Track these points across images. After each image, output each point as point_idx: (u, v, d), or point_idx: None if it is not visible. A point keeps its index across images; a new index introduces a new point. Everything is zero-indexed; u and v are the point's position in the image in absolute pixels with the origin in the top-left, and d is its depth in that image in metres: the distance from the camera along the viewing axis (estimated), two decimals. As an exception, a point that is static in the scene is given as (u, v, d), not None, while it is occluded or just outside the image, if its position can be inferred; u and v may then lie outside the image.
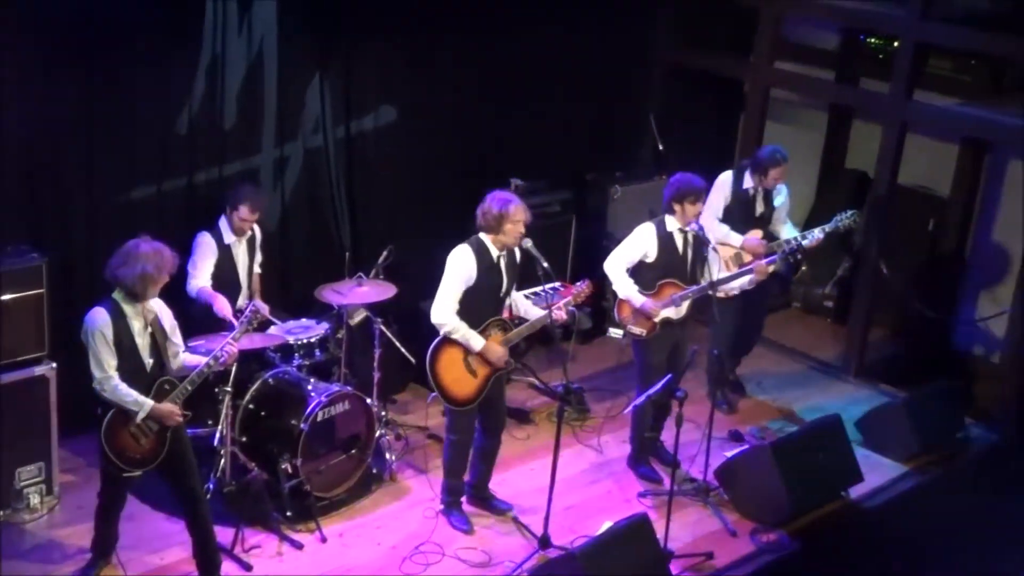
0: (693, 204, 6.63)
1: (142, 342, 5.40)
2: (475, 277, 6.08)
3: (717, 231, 7.47)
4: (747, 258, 7.49)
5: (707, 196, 6.68)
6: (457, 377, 6.17)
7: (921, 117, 8.17)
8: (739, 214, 7.59)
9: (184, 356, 5.64)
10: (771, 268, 7.36)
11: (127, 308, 5.34)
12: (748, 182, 7.57)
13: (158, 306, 5.48)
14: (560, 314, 6.22)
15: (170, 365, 5.54)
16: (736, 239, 7.53)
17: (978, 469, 7.85)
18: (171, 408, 5.42)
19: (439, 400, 6.34)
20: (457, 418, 6.33)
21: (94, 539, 5.79)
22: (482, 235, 6.14)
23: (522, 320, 6.35)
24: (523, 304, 6.42)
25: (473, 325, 6.12)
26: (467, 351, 6.15)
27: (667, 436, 6.98)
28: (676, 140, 9.32)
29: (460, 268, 6.07)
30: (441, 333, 6.14)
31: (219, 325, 6.46)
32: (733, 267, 7.44)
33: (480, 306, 6.15)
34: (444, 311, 6.07)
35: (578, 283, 6.39)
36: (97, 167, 6.74)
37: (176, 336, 5.59)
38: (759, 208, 7.63)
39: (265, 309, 6.86)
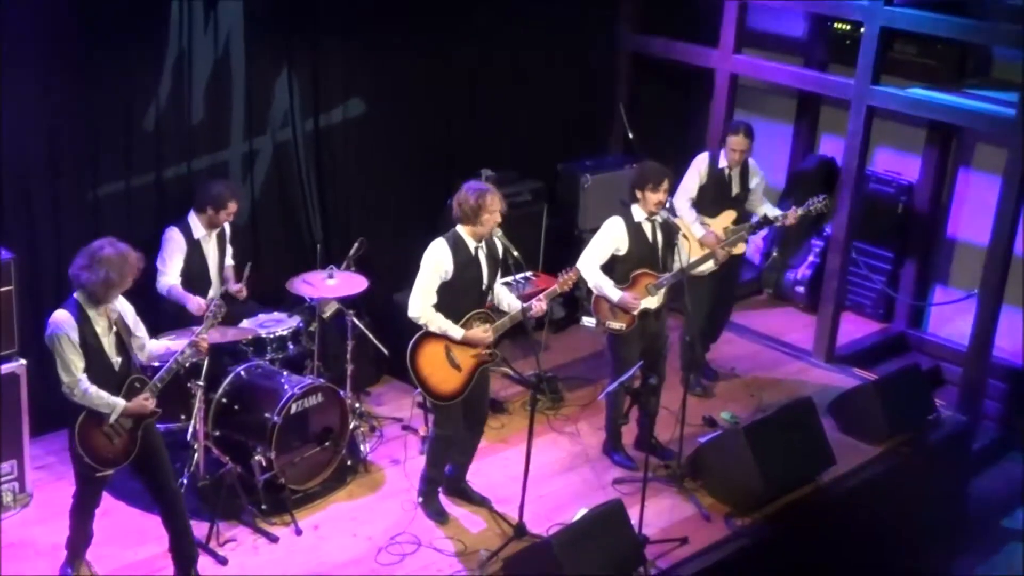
0: (654, 191, 6.63)
1: (108, 342, 5.37)
2: (451, 271, 6.08)
3: (686, 217, 7.56)
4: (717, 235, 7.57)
5: (668, 182, 6.67)
6: (440, 371, 6.16)
7: (888, 102, 8.22)
8: (715, 194, 7.69)
9: (150, 345, 5.62)
10: (732, 250, 7.46)
11: (90, 310, 5.31)
12: (723, 161, 7.69)
13: (119, 303, 5.45)
14: (542, 305, 6.23)
15: (138, 358, 5.54)
16: (698, 231, 7.59)
17: (948, 451, 7.95)
18: (141, 402, 5.40)
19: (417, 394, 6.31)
20: (443, 412, 6.32)
21: (69, 537, 5.77)
22: (459, 227, 6.14)
23: (503, 312, 6.36)
24: (504, 295, 6.39)
25: (455, 319, 6.12)
26: (448, 344, 6.17)
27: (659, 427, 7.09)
28: (646, 129, 9.36)
29: (435, 262, 6.07)
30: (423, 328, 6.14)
31: (189, 320, 6.47)
32: (705, 250, 7.52)
33: (460, 300, 6.15)
34: (419, 304, 6.08)
35: (562, 272, 6.33)
36: (63, 164, 6.71)
37: (139, 329, 5.58)
38: (734, 189, 7.73)
39: (243, 292, 6.82)
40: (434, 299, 6.09)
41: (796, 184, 9.77)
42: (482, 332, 6.17)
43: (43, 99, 6.54)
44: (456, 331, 6.12)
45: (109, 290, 5.27)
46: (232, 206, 6.78)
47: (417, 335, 6.14)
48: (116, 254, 5.25)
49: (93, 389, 5.28)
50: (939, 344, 9.19)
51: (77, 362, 5.26)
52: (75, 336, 5.25)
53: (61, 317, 5.28)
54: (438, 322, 6.09)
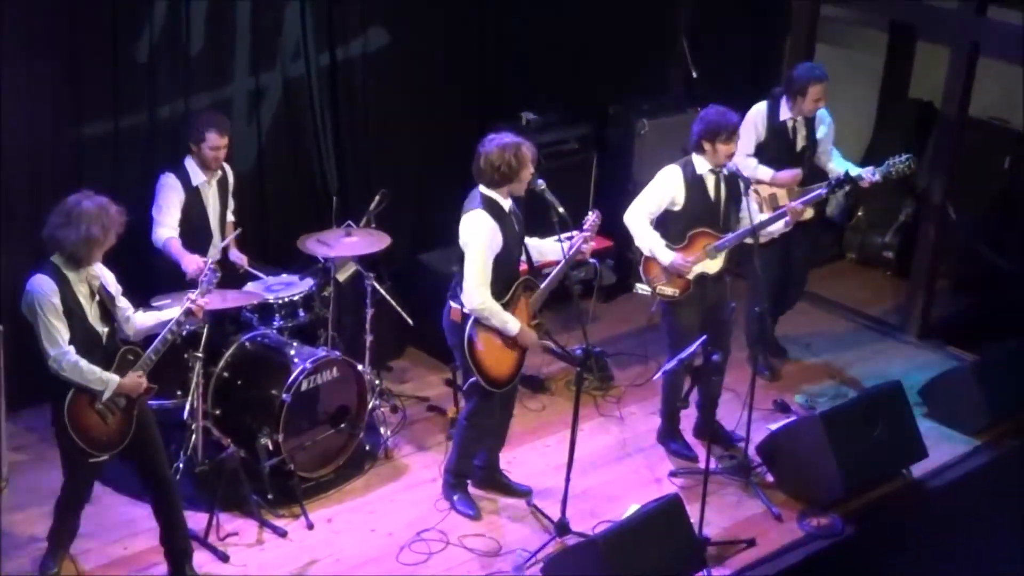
0: (726, 143, 6.58)
1: (91, 311, 5.40)
2: (501, 243, 6.08)
3: (746, 166, 7.47)
4: (781, 198, 7.46)
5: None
6: (493, 355, 6.18)
7: (995, 37, 8.10)
8: (777, 151, 7.59)
9: (136, 317, 5.62)
10: (807, 211, 7.35)
11: (70, 274, 5.33)
12: (785, 112, 7.55)
13: (100, 269, 5.48)
14: (586, 247, 6.20)
15: (123, 333, 5.55)
16: (765, 173, 7.51)
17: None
18: (136, 379, 5.44)
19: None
20: (487, 400, 6.32)
21: (52, 529, 5.81)
22: (485, 189, 6.11)
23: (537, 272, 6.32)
24: (541, 245, 6.37)
25: (502, 293, 6.12)
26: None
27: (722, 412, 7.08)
28: (712, 66, 9.26)
29: (488, 239, 6.03)
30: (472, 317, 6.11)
31: (186, 281, 6.46)
32: (768, 209, 7.43)
33: (507, 271, 6.17)
34: (482, 294, 6.03)
35: (588, 216, 6.28)
36: (41, 101, 6.70)
37: (122, 300, 5.58)
38: (800, 143, 7.62)
39: (243, 260, 6.88)
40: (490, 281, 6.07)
41: (885, 130, 9.66)
42: (534, 335, 6.24)
43: (16, 23, 6.47)
44: (515, 324, 6.14)
45: (92, 248, 5.29)
46: (214, 139, 6.69)
47: (471, 324, 6.11)
48: (96, 207, 5.28)
49: (84, 362, 5.31)
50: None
51: (63, 331, 5.29)
52: (58, 302, 5.27)
53: (41, 282, 5.29)
54: (501, 316, 6.10)
